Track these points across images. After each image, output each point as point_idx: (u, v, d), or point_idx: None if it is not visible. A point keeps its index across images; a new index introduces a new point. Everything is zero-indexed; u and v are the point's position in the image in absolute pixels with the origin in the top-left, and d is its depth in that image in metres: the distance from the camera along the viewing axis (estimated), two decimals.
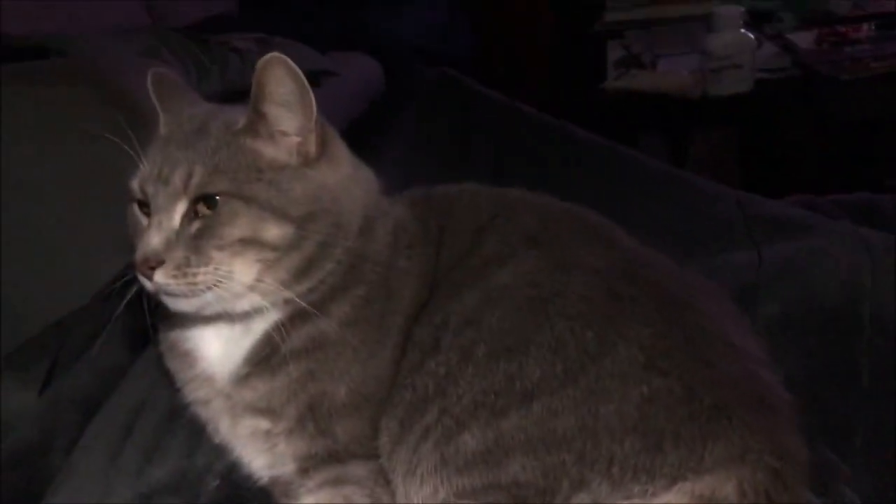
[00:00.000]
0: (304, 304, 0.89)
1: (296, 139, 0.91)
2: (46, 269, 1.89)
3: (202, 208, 0.87)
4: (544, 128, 1.76)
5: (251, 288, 0.89)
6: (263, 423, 0.94)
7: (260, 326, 0.93)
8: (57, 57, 2.16)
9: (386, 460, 0.90)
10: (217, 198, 0.87)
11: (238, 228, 0.87)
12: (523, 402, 0.82)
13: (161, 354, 1.02)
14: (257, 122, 0.90)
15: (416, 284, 0.96)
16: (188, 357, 0.97)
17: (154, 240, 0.86)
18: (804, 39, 2.71)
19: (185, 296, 0.87)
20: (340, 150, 0.98)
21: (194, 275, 0.86)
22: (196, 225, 0.87)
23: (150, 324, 0.97)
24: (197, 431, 1.03)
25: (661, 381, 0.80)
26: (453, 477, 0.83)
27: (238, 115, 0.92)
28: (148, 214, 0.89)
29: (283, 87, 0.88)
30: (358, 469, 0.92)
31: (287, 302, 0.91)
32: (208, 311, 0.90)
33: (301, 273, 0.90)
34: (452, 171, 1.17)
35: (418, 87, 2.17)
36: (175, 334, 0.98)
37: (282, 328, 0.90)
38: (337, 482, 0.91)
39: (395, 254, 0.97)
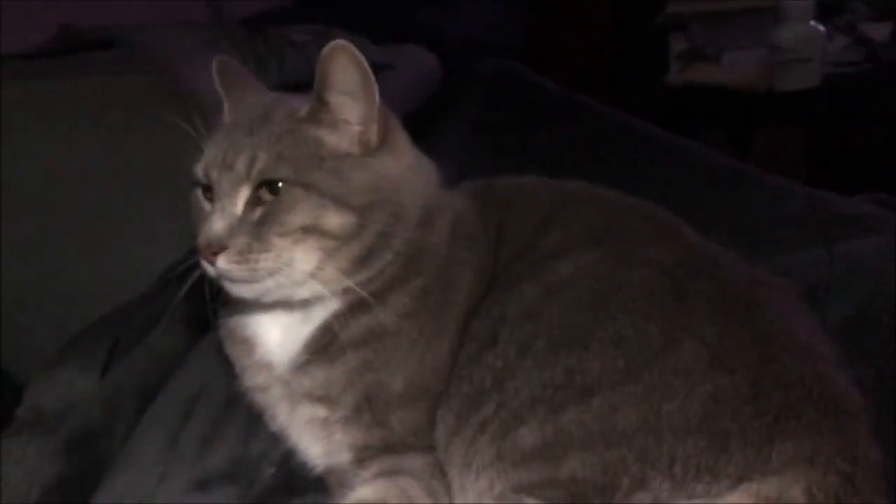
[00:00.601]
0: (363, 293, 0.89)
1: (358, 128, 0.91)
2: (107, 256, 1.93)
3: (265, 195, 0.88)
4: (605, 120, 1.73)
5: (311, 276, 0.89)
6: (321, 411, 0.94)
7: (319, 315, 0.93)
8: (121, 48, 2.20)
9: (442, 453, 0.90)
10: (279, 185, 0.87)
11: (299, 216, 0.87)
12: (583, 397, 0.80)
13: (220, 341, 1.03)
14: (320, 110, 0.90)
15: (475, 277, 0.95)
16: (247, 344, 0.98)
17: (217, 225, 0.87)
18: (878, 31, 2.60)
19: (247, 282, 0.88)
20: (402, 140, 0.97)
21: (256, 261, 0.86)
22: (259, 211, 0.88)
23: (210, 310, 0.98)
24: (254, 419, 1.04)
25: (726, 379, 0.77)
26: (510, 471, 0.82)
27: (302, 104, 0.92)
28: (211, 200, 0.90)
29: (346, 76, 0.87)
30: (414, 461, 0.91)
31: (346, 291, 0.90)
32: (268, 298, 0.91)
33: (361, 262, 0.90)
34: (511, 163, 1.15)
35: (476, 80, 2.15)
36: (235, 321, 0.99)
37: (340, 317, 0.90)
38: (392, 473, 0.91)
39: (454, 246, 0.96)
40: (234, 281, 0.88)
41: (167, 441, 1.06)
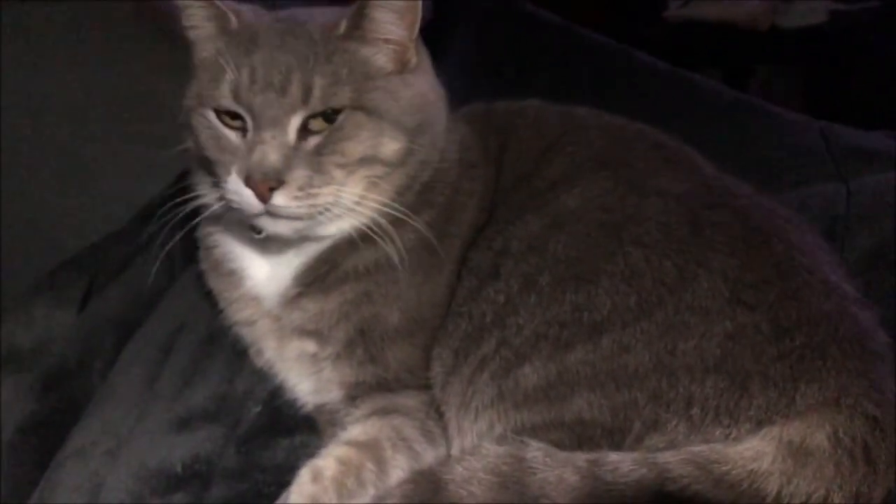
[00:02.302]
0: (418, 223, 0.83)
1: (397, 46, 0.83)
2: (85, 188, 1.86)
3: (316, 122, 0.80)
4: (606, 52, 1.66)
5: (351, 209, 0.82)
6: (310, 346, 0.89)
7: (315, 246, 0.87)
8: None
9: (438, 392, 0.85)
10: (339, 111, 0.80)
11: (362, 143, 0.81)
12: (591, 335, 0.75)
13: (203, 273, 0.97)
14: (361, 26, 0.82)
15: (476, 207, 0.90)
16: (233, 276, 0.92)
17: (272, 157, 0.77)
18: None
19: (300, 218, 0.80)
20: (427, 59, 0.90)
21: (315, 196, 0.79)
22: (314, 140, 0.80)
23: (182, 232, 0.91)
24: (238, 356, 0.99)
25: (747, 316, 0.73)
26: (511, 412, 0.77)
27: (323, 17, 0.84)
28: (240, 128, 0.81)
29: None
30: (408, 399, 0.87)
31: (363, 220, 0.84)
32: (307, 234, 0.84)
33: (401, 191, 0.85)
34: (509, 96, 1.09)
35: (471, 12, 2.05)
36: (219, 253, 0.93)
37: (345, 248, 0.85)
38: (386, 412, 0.86)
39: (460, 174, 0.90)
40: (288, 218, 0.80)
41: (146, 378, 1.01)
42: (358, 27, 0.82)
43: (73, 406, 1.04)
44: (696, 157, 0.92)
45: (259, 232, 0.88)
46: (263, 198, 0.78)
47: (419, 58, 0.87)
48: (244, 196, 0.78)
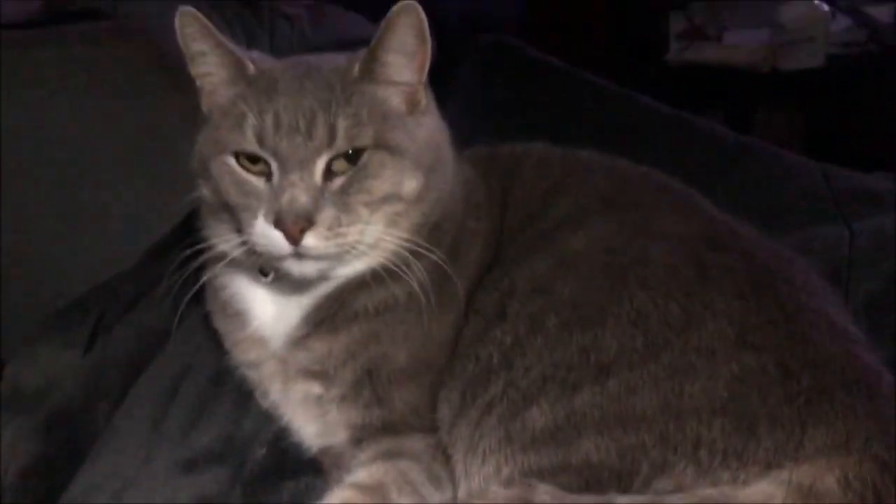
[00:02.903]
0: (436, 255, 0.84)
1: (408, 88, 0.86)
2: (91, 231, 1.87)
3: (338, 163, 0.81)
4: (607, 95, 1.68)
5: (372, 246, 0.84)
6: (316, 388, 0.89)
7: (325, 286, 0.87)
8: (108, 19, 2.14)
9: (445, 435, 0.84)
10: (362, 151, 0.82)
11: (386, 181, 0.82)
12: (598, 376, 0.75)
13: (210, 314, 0.97)
14: (375, 70, 0.84)
15: (482, 247, 0.90)
16: (240, 317, 0.92)
17: (302, 198, 0.78)
18: (883, 13, 2.56)
19: (328, 258, 0.82)
20: (433, 101, 0.92)
21: (344, 235, 0.80)
22: (339, 181, 0.81)
23: (199, 284, 0.92)
24: (244, 397, 0.99)
25: (753, 358, 0.73)
26: (518, 455, 0.76)
27: (335, 62, 0.86)
28: (264, 172, 0.81)
29: (409, 37, 0.82)
30: (415, 442, 0.86)
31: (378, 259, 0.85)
32: (330, 274, 0.85)
33: (418, 228, 0.86)
34: (513, 139, 1.10)
35: (473, 54, 2.09)
36: (226, 294, 0.93)
37: (357, 287, 0.86)
38: (392, 455, 0.86)
39: (466, 214, 0.91)
40: (316, 259, 0.81)
41: (152, 420, 1.01)
42: (371, 70, 0.84)
43: (78, 448, 1.04)
44: (701, 199, 0.93)
45: (266, 275, 0.89)
46: (294, 239, 0.78)
47: (427, 100, 0.89)
48: (273, 239, 0.79)
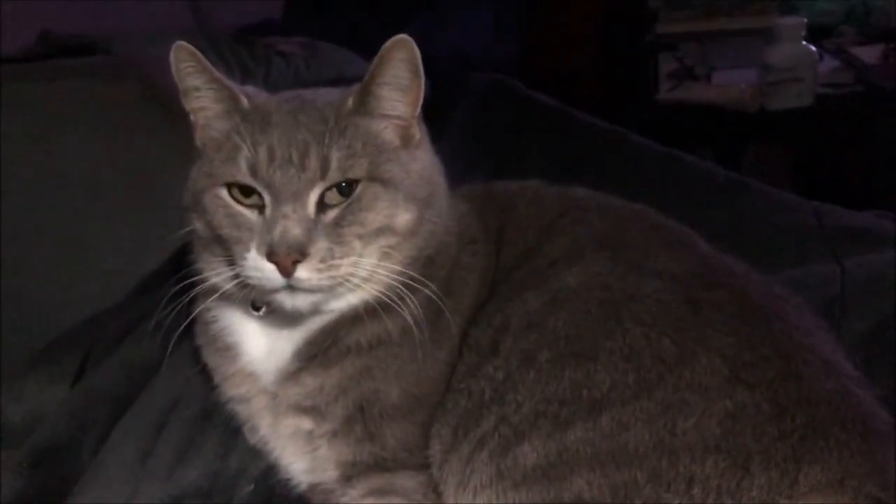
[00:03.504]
0: (430, 291, 0.84)
1: (402, 122, 0.86)
2: (81, 265, 1.87)
3: (332, 195, 0.82)
4: (601, 134, 1.69)
5: (366, 279, 0.83)
6: (306, 423, 0.88)
7: (317, 320, 0.87)
8: (103, 54, 2.15)
9: (437, 471, 0.84)
10: (356, 183, 0.82)
11: (380, 213, 0.82)
12: (591, 413, 0.75)
13: (199, 348, 0.97)
14: (370, 104, 0.84)
15: (477, 283, 0.90)
16: (230, 351, 0.91)
17: (295, 230, 0.78)
18: (869, 55, 2.60)
19: (321, 291, 0.81)
20: (426, 136, 0.92)
21: (337, 267, 0.80)
22: (332, 213, 0.81)
23: (190, 317, 0.91)
24: (232, 432, 0.97)
25: (746, 395, 0.72)
26: (510, 491, 0.76)
27: (329, 97, 0.87)
28: (257, 205, 0.81)
29: (403, 71, 0.83)
30: (406, 480, 0.85)
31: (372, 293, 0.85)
32: (320, 308, 0.84)
33: (411, 262, 0.85)
34: (506, 177, 1.11)
35: (467, 94, 2.10)
36: (217, 327, 0.92)
37: (350, 321, 0.85)
38: (383, 492, 0.85)
39: (460, 249, 0.91)
40: (309, 291, 0.81)
41: (139, 455, 0.99)
42: (365, 104, 0.84)
43: (63, 483, 1.01)
44: (694, 237, 0.93)
45: (258, 309, 0.88)
46: (287, 272, 0.78)
47: (421, 134, 0.90)
48: (265, 271, 0.79)
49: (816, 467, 0.69)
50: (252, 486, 0.93)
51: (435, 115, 0.94)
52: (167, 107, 1.76)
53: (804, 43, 2.39)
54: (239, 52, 2.58)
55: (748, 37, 2.80)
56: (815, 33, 2.69)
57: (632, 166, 1.54)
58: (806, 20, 2.46)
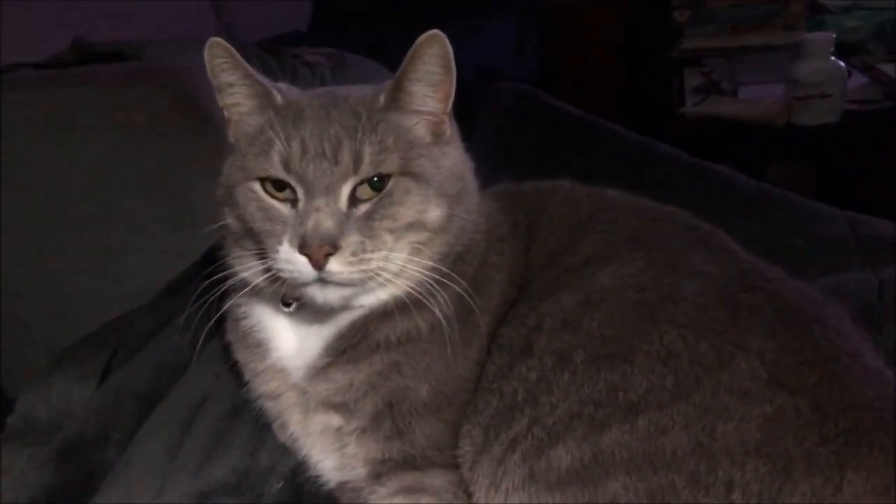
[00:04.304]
0: (460, 288, 0.84)
1: (433, 118, 0.86)
2: (107, 268, 1.88)
3: (363, 189, 0.82)
4: (629, 144, 1.68)
5: (396, 274, 0.83)
6: (335, 420, 0.87)
7: (347, 316, 0.87)
8: (133, 61, 2.17)
9: (467, 471, 0.83)
10: (387, 177, 0.82)
11: (411, 208, 0.82)
12: (627, 415, 0.73)
13: (229, 345, 0.96)
14: (401, 99, 0.85)
15: (506, 281, 0.90)
16: (260, 348, 0.91)
17: (327, 223, 0.78)
18: None
19: (352, 285, 0.81)
20: (457, 133, 0.92)
21: (368, 261, 0.80)
22: (364, 207, 0.81)
23: (220, 312, 0.91)
24: (261, 429, 0.97)
25: (787, 399, 0.71)
26: (543, 494, 0.75)
27: (361, 92, 0.87)
28: (290, 199, 0.82)
29: (434, 66, 0.83)
30: (435, 478, 0.84)
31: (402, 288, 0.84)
32: (350, 303, 0.84)
33: (441, 258, 0.85)
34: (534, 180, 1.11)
35: (491, 104, 2.10)
36: (247, 324, 0.92)
37: (379, 317, 0.85)
38: (412, 491, 0.84)
39: (488, 247, 0.91)
40: (340, 285, 0.81)
41: (167, 451, 0.99)
42: (397, 99, 0.84)
43: (90, 478, 1.02)
44: (729, 240, 0.92)
45: (289, 305, 0.88)
46: (318, 264, 0.78)
47: (451, 130, 0.90)
48: (297, 264, 0.79)
49: (861, 474, 0.67)
50: (281, 484, 0.92)
51: (459, 125, 0.94)
52: (195, 114, 1.79)
53: (833, 58, 2.37)
54: (266, 60, 2.59)
55: (775, 52, 2.80)
56: (843, 49, 2.67)
57: (661, 176, 1.54)
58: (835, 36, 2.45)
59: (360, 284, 0.81)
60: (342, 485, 0.90)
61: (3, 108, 1.79)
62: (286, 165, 0.81)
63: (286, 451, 0.94)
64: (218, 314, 0.91)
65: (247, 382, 0.94)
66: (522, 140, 1.84)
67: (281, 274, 0.81)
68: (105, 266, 1.89)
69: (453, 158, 0.89)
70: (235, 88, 0.86)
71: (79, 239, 1.87)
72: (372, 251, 0.80)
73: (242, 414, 0.99)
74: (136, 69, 2.09)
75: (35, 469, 1.02)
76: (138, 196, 1.86)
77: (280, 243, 0.80)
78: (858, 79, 2.62)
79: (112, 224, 1.87)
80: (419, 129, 0.86)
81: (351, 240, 0.79)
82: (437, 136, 0.87)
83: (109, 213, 1.87)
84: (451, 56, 0.83)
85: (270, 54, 2.65)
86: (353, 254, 0.79)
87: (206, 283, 0.87)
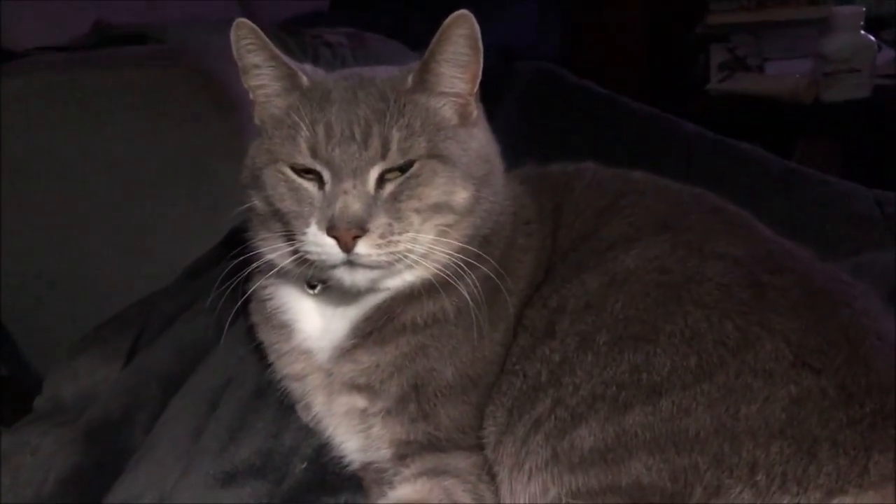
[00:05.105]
0: (487, 269, 0.84)
1: (460, 99, 0.86)
2: (132, 249, 1.90)
3: (391, 172, 0.82)
4: (653, 122, 1.66)
5: (424, 256, 0.83)
6: (360, 402, 0.88)
7: (373, 298, 0.87)
8: (154, 43, 2.18)
9: (491, 452, 0.83)
10: (415, 161, 0.82)
11: (437, 189, 0.82)
12: (650, 396, 0.73)
13: (253, 326, 0.97)
14: (429, 81, 0.84)
15: (533, 264, 0.89)
16: (285, 329, 0.92)
17: (355, 205, 0.78)
18: None
19: (380, 267, 0.81)
20: (483, 115, 0.92)
21: (396, 243, 0.80)
22: (389, 188, 0.81)
23: (246, 294, 0.92)
24: (285, 411, 0.97)
25: (812, 380, 0.70)
26: (566, 475, 0.75)
27: (387, 73, 0.86)
28: (318, 180, 0.82)
29: (463, 48, 0.83)
30: (460, 460, 0.85)
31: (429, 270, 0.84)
32: (377, 285, 0.84)
33: (468, 241, 0.85)
34: (557, 160, 1.09)
35: (513, 83, 2.08)
36: (272, 305, 0.93)
37: (406, 299, 0.85)
38: (436, 473, 0.84)
39: (515, 230, 0.90)
40: (368, 267, 0.81)
41: (191, 433, 1.00)
42: (424, 81, 0.84)
43: (116, 459, 1.03)
44: (754, 220, 0.91)
45: (314, 287, 0.88)
46: (347, 247, 0.78)
47: (478, 112, 0.89)
48: (326, 246, 0.79)
49: (888, 455, 0.67)
50: (305, 464, 0.93)
51: (483, 104, 0.93)
52: (218, 96, 1.79)
53: (862, 32, 2.32)
54: (286, 41, 2.58)
55: (803, 27, 2.74)
56: (873, 23, 2.62)
57: (685, 155, 1.52)
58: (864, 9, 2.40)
59: (388, 267, 0.81)
60: (366, 465, 0.91)
61: (26, 91, 1.81)
62: (313, 151, 0.81)
63: (310, 432, 0.95)
64: (244, 297, 0.92)
65: (271, 363, 0.95)
66: (545, 119, 1.82)
67: (309, 256, 0.81)
68: (128, 246, 1.91)
69: (480, 140, 0.88)
70: (261, 70, 0.86)
71: (102, 220, 1.90)
72: (400, 233, 0.80)
73: (266, 395, 1.00)
74: (158, 51, 2.10)
75: (62, 449, 1.04)
76: (161, 178, 1.88)
77: (308, 225, 0.80)
78: (888, 53, 2.57)
79: (135, 205, 1.89)
80: (446, 110, 0.85)
81: (379, 222, 0.79)
82: (464, 117, 0.86)
83: (132, 194, 1.89)
84: (479, 36, 0.83)
85: (290, 35, 2.65)
86: (382, 236, 0.79)
87: (232, 264, 0.88)
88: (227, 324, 0.95)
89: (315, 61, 2.65)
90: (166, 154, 1.88)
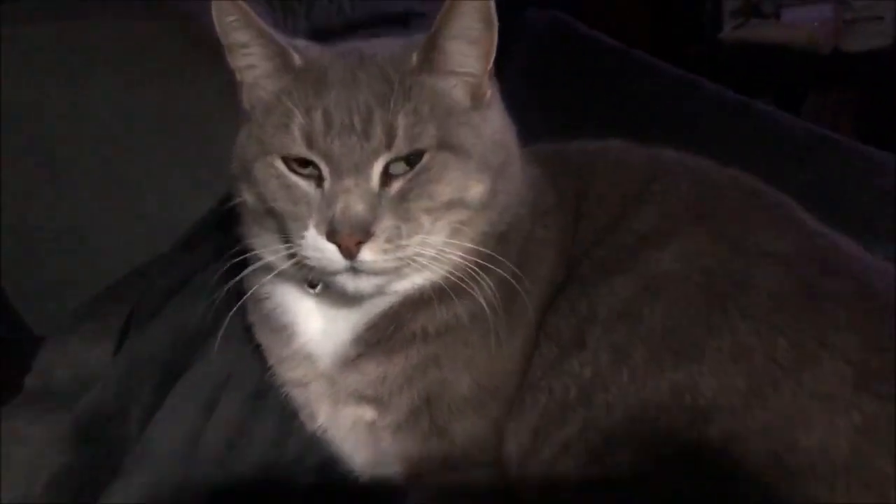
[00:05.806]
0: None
1: (471, 79, 0.76)
2: (125, 207, 1.84)
3: (396, 164, 0.73)
4: (669, 79, 1.56)
5: (434, 258, 0.74)
6: (368, 414, 0.81)
7: (379, 303, 0.79)
8: None
9: (513, 473, 0.76)
10: (424, 150, 0.73)
11: (450, 185, 0.73)
12: (694, 422, 0.66)
13: (251, 326, 0.89)
14: (436, 59, 0.74)
15: (554, 261, 0.81)
16: (284, 332, 0.84)
17: (358, 206, 0.70)
18: None
19: (386, 273, 0.73)
20: (498, 94, 0.82)
21: (404, 248, 0.72)
22: (397, 184, 0.73)
23: (242, 299, 0.84)
24: (288, 416, 0.90)
25: (877, 406, 0.64)
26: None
27: (390, 50, 0.77)
28: (314, 175, 0.73)
29: (475, 22, 0.73)
30: (478, 480, 0.78)
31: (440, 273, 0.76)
32: (384, 290, 0.76)
33: (484, 239, 0.77)
34: (568, 120, 1.00)
35: (522, 34, 1.97)
36: (269, 305, 0.85)
37: (415, 306, 0.77)
38: (453, 494, 0.78)
39: (533, 222, 0.82)
40: (373, 274, 0.73)
41: (189, 438, 0.93)
42: (431, 60, 0.74)
43: (110, 457, 0.97)
44: (794, 205, 0.83)
45: (314, 287, 0.81)
46: (350, 253, 0.70)
47: (492, 92, 0.80)
48: (326, 252, 0.71)
49: None
50: (310, 478, 0.87)
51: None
52: (210, 49, 1.69)
53: None
54: None
55: None
56: None
57: (701, 116, 1.43)
58: None
59: (395, 272, 0.74)
60: (377, 481, 0.84)
61: (14, 41, 1.70)
62: (308, 140, 0.72)
63: (316, 441, 0.88)
64: (241, 300, 0.84)
65: (270, 367, 0.88)
66: (555, 73, 1.73)
67: (307, 262, 0.73)
68: (121, 205, 1.86)
69: (495, 124, 0.79)
70: (249, 49, 0.76)
71: (94, 178, 1.83)
72: (408, 236, 0.72)
73: (267, 398, 0.93)
74: (148, 4, 1.99)
75: (53, 445, 0.98)
76: (154, 134, 1.81)
77: (305, 228, 0.72)
78: None
79: (128, 161, 1.83)
80: (457, 92, 0.76)
81: (385, 225, 0.70)
82: (476, 99, 0.77)
83: (124, 151, 1.83)
84: (493, 8, 0.73)
85: None
86: (388, 240, 0.70)
87: (227, 264, 0.80)
88: (226, 319, 0.88)
89: (310, 7, 2.53)
90: (159, 109, 1.79)
